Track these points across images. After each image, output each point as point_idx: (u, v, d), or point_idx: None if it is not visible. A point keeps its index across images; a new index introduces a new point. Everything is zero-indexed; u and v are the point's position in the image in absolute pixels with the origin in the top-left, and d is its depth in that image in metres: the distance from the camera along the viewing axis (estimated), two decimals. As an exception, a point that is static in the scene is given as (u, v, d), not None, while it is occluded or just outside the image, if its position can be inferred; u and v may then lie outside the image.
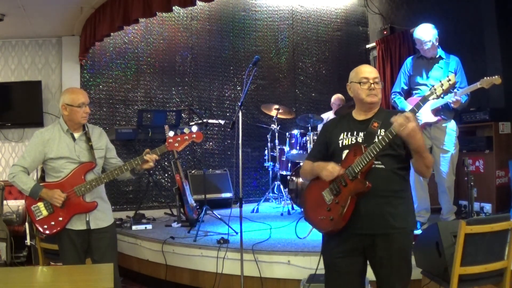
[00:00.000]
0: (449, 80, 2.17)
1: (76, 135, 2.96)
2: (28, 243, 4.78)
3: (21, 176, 2.86)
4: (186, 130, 2.90)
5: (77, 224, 2.88)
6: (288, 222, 4.72)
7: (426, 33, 4.01)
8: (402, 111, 2.34)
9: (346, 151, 2.36)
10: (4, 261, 4.66)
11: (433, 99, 2.23)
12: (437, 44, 4.03)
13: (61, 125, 2.96)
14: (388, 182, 2.28)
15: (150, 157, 2.84)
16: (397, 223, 2.27)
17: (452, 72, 4.00)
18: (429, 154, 2.28)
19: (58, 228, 2.84)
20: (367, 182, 2.23)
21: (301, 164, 2.67)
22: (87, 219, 2.90)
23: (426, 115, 3.95)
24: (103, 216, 2.97)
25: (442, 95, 2.22)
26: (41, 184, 2.88)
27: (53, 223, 2.84)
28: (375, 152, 2.22)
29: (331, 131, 2.49)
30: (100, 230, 2.94)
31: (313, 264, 3.35)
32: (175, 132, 2.90)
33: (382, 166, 2.28)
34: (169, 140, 2.87)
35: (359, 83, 2.39)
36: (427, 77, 4.06)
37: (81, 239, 2.91)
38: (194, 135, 2.90)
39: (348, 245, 2.32)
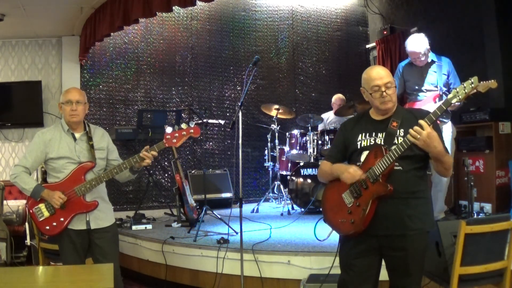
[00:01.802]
0: (472, 83, 2.12)
1: (77, 135, 2.96)
2: (28, 243, 4.78)
3: (23, 176, 2.87)
4: (184, 126, 2.89)
5: (77, 224, 2.88)
6: (288, 222, 4.72)
7: (418, 46, 3.99)
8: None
9: (365, 153, 2.34)
10: (4, 261, 4.66)
11: (457, 102, 2.17)
12: (428, 52, 4.04)
13: (62, 125, 2.98)
14: (406, 184, 2.27)
15: (147, 154, 2.82)
16: (414, 224, 2.27)
17: (446, 75, 4.01)
18: (449, 157, 2.25)
19: (60, 229, 2.85)
20: (389, 186, 2.22)
21: (319, 163, 2.63)
22: (87, 219, 2.90)
23: None
24: (103, 216, 2.97)
25: (464, 99, 2.19)
26: (42, 185, 2.89)
27: (54, 223, 2.84)
28: (396, 155, 2.20)
29: (349, 131, 2.46)
30: (101, 230, 2.94)
31: (313, 264, 3.35)
32: (173, 128, 2.90)
33: (400, 168, 2.27)
34: (167, 137, 2.86)
35: (371, 93, 2.34)
36: (423, 83, 4.07)
37: (81, 239, 2.91)
38: (192, 130, 2.88)
39: (364, 245, 2.33)
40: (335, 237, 2.59)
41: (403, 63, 4.28)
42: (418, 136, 2.12)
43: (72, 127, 2.96)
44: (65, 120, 2.94)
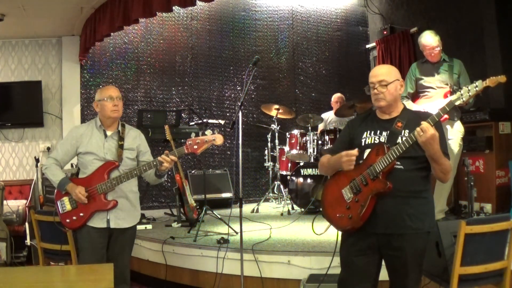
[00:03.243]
0: (476, 86, 2.16)
1: (108, 132, 3.01)
2: (28, 243, 4.78)
3: (53, 168, 2.98)
4: (207, 133, 2.88)
5: (98, 222, 2.93)
6: (288, 222, 4.72)
7: (431, 40, 4.11)
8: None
9: (368, 150, 2.37)
10: (4, 261, 4.66)
11: (460, 104, 2.21)
12: (441, 47, 4.13)
13: (96, 121, 3.04)
14: (407, 183, 2.29)
15: (165, 158, 2.83)
16: (414, 223, 2.28)
17: (457, 74, 4.08)
18: (446, 161, 2.27)
19: (80, 223, 2.92)
20: (388, 183, 2.23)
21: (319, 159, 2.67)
22: (108, 217, 2.94)
23: None
24: (125, 216, 3.00)
25: (468, 101, 2.23)
26: (69, 178, 2.97)
27: (75, 218, 2.92)
28: (397, 153, 2.22)
29: (355, 128, 2.50)
30: (120, 230, 2.98)
31: (313, 264, 3.35)
32: (196, 134, 2.88)
33: (401, 167, 2.28)
34: (189, 142, 2.84)
35: (369, 90, 2.42)
36: (434, 81, 4.14)
37: (101, 238, 2.95)
38: (214, 138, 2.84)
39: (364, 243, 2.35)
40: (334, 236, 2.60)
41: (415, 63, 4.37)
42: (422, 134, 2.14)
43: (106, 124, 3.01)
44: (105, 116, 2.99)
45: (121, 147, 2.98)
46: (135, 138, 3.09)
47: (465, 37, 5.51)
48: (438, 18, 5.89)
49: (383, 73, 2.38)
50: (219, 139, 2.86)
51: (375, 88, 2.36)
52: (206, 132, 2.88)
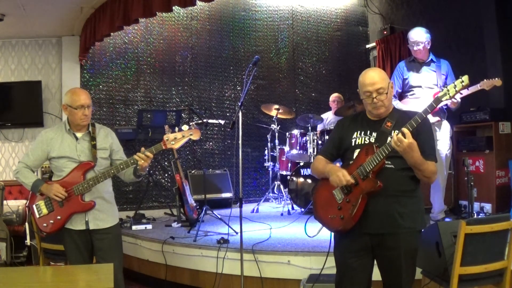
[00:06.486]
0: (462, 81, 2.16)
1: (78, 134, 2.96)
2: (28, 243, 4.77)
3: (24, 171, 2.92)
4: (184, 128, 2.86)
5: (77, 224, 2.89)
6: (288, 222, 4.72)
7: (419, 35, 4.12)
8: (415, 112, 2.32)
9: (358, 150, 2.37)
10: (4, 261, 4.66)
11: (446, 100, 2.22)
12: (428, 47, 4.14)
13: (65, 124, 2.99)
14: (397, 182, 2.29)
15: (140, 156, 2.78)
16: (405, 222, 2.29)
17: (444, 75, 4.09)
18: (428, 166, 2.26)
19: (57, 227, 2.86)
20: (378, 182, 2.24)
21: (312, 160, 2.66)
22: (86, 219, 2.89)
23: None
24: (104, 216, 2.95)
25: (454, 96, 2.24)
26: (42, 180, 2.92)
27: (52, 221, 2.86)
28: (386, 152, 2.23)
29: (345, 128, 2.50)
30: (101, 231, 2.93)
31: (313, 264, 3.35)
32: (173, 130, 2.88)
33: (392, 166, 2.29)
34: (165, 139, 2.82)
35: (363, 98, 2.38)
36: (422, 81, 4.15)
37: (83, 239, 2.91)
38: (191, 133, 2.84)
39: (358, 244, 2.35)
40: (329, 235, 2.59)
41: (403, 61, 4.38)
42: (399, 144, 2.15)
43: (74, 127, 2.95)
44: (74, 122, 2.93)
45: (94, 147, 2.92)
46: (106, 137, 3.02)
47: (465, 37, 5.51)
48: (438, 18, 5.89)
49: (379, 80, 2.33)
50: (196, 133, 2.84)
51: (372, 96, 2.32)
52: (182, 127, 2.85)
